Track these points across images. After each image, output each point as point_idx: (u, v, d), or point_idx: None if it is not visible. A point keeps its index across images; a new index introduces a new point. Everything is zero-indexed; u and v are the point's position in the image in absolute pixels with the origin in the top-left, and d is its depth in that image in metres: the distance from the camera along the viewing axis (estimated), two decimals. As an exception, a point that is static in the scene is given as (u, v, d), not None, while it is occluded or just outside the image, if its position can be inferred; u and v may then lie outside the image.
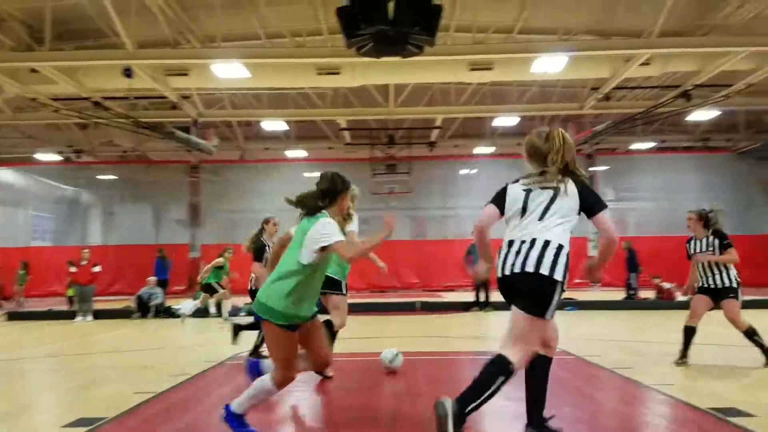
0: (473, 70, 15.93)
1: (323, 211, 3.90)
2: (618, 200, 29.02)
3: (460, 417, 3.32)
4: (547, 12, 15.40)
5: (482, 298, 14.21)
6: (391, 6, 8.07)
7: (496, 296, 11.03)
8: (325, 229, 3.71)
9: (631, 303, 15.35)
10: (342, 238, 3.73)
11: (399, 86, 20.18)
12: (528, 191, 3.62)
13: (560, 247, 3.45)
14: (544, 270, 3.36)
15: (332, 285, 5.87)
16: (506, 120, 22.58)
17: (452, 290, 24.80)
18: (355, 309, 14.54)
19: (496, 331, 10.20)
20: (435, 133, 24.98)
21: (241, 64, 14.84)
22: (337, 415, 4.70)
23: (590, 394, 5.22)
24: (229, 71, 15.16)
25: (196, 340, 10.00)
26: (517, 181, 3.73)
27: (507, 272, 3.48)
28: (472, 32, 15.42)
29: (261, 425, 4.01)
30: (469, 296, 15.40)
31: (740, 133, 26.54)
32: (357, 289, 26.04)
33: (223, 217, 28.24)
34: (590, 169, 28.83)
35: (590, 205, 3.64)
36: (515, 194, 3.65)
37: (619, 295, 17.10)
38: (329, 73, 15.99)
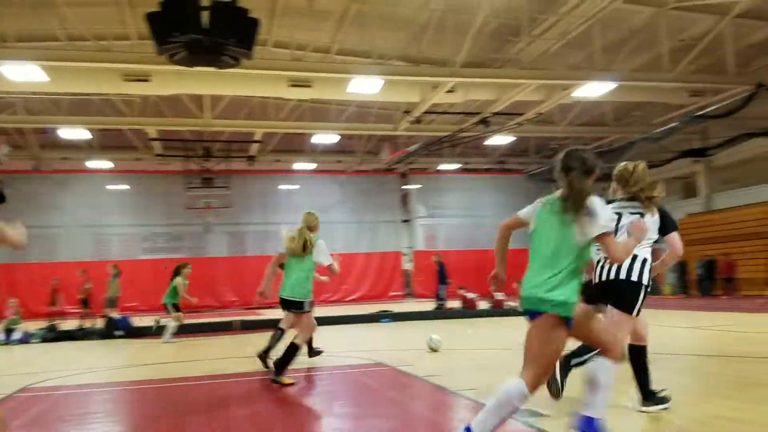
0: (293, 86, 15.99)
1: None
2: (429, 217, 30.78)
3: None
4: (362, 36, 15.98)
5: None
6: (206, 15, 7.82)
7: (315, 311, 10.97)
8: (605, 211, 3.62)
9: (440, 313, 16.30)
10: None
11: (215, 97, 19.61)
12: (620, 215, 4.46)
13: (645, 260, 4.26)
14: (633, 277, 4.17)
15: (298, 305, 6.78)
16: (326, 137, 22.93)
17: (273, 307, 24.44)
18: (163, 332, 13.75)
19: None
20: (255, 148, 24.61)
21: (37, 67, 13.42)
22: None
23: (402, 402, 5.41)
24: (22, 73, 13.65)
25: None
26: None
27: (604, 278, 4.27)
28: (290, 49, 15.50)
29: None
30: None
31: (531, 157, 29.67)
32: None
33: (12, 234, 25.17)
34: (403, 187, 30.32)
35: (666, 225, 4.59)
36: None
37: (430, 305, 18.06)
38: (137, 80, 15.04)
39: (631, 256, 4.11)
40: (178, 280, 12.32)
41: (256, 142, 23.79)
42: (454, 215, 30.83)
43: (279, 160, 26.90)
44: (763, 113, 18.68)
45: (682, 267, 24.51)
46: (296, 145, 26.41)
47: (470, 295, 16.66)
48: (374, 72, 15.40)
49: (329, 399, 5.77)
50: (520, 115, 20.69)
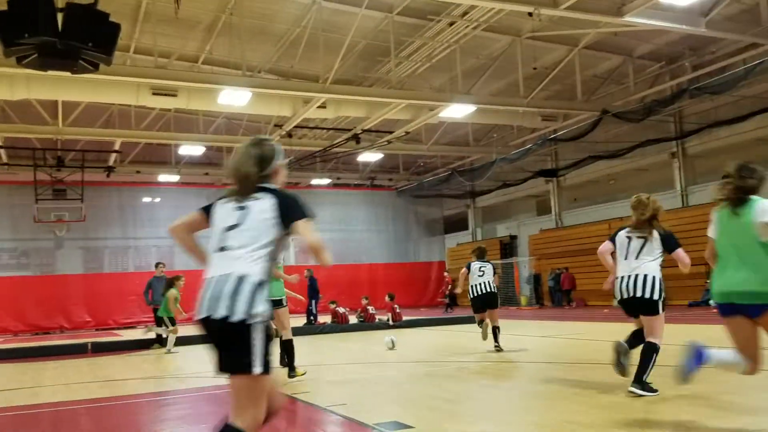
0: (156, 94, 15.34)
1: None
2: (300, 231, 30.55)
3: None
4: (232, 47, 15.71)
5: (164, 334, 13.48)
6: (61, 17, 7.31)
7: (185, 331, 10.48)
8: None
9: (311, 328, 16.22)
10: None
11: (70, 104, 18.32)
12: (629, 239, 5.55)
13: (654, 277, 5.34)
14: (647, 294, 5.30)
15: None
16: (192, 149, 22.10)
17: (132, 327, 23.07)
18: (10, 356, 12.55)
19: (175, 368, 9.78)
20: (113, 158, 23.22)
21: None
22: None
23: (270, 422, 5.32)
24: None
25: None
26: (622, 228, 5.74)
27: (626, 296, 5.43)
28: (154, 56, 14.87)
29: None
30: (150, 334, 14.48)
31: (400, 173, 30.54)
32: (13, 331, 22.50)
33: None
34: (274, 201, 29.95)
35: (670, 245, 5.52)
36: (621, 240, 5.65)
37: (300, 321, 17.93)
38: (-20, 82, 13.70)
39: (642, 275, 5.38)
40: (172, 292, 12.16)
41: (114, 152, 22.46)
42: (325, 229, 30.86)
43: (140, 172, 25.57)
44: (606, 138, 20.62)
45: (536, 279, 26.28)
46: (160, 156, 25.27)
47: (340, 310, 16.75)
48: (243, 84, 15.16)
49: (191, 422, 5.54)
50: (390, 132, 21.29)
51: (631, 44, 18.57)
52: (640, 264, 5.38)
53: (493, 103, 18.76)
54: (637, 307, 5.42)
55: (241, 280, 2.76)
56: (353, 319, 17.08)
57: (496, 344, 9.49)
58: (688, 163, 21.59)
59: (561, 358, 8.61)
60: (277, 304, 7.78)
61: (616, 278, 5.55)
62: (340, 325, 16.18)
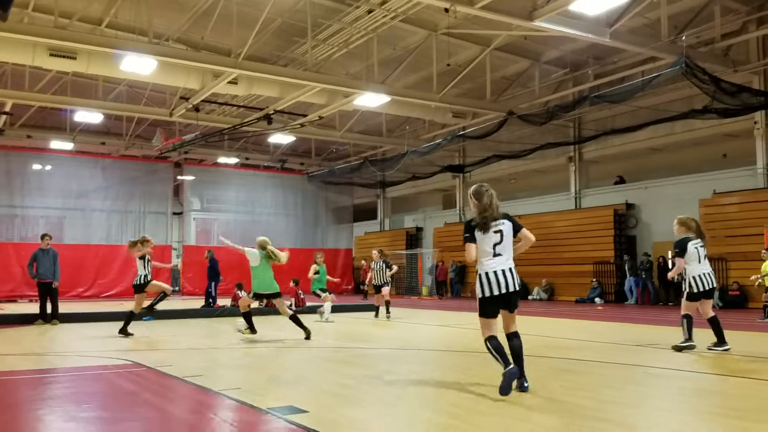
0: (54, 56, 14.37)
1: None
2: (204, 210, 29.77)
3: None
4: (139, 12, 14.95)
5: (49, 309, 12.72)
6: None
7: (65, 307, 9.97)
8: None
9: (210, 311, 15.81)
10: None
11: (-46, 58, 16.78)
12: (697, 248, 7.76)
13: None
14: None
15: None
16: (89, 115, 20.84)
17: (14, 301, 21.56)
18: None
19: (59, 345, 9.26)
20: (3, 120, 21.54)
21: None
22: None
23: (159, 405, 5.16)
24: None
25: None
26: (689, 239, 7.76)
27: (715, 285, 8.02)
28: (54, 15, 13.89)
29: None
30: (33, 308, 13.64)
31: (311, 158, 30.27)
32: None
33: None
34: (178, 177, 28.89)
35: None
36: (692, 251, 7.71)
37: (199, 303, 17.44)
38: None
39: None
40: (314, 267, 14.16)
41: (5, 113, 20.83)
42: (230, 210, 30.20)
43: (31, 137, 23.87)
44: (510, 138, 21.37)
45: (437, 271, 26.93)
46: (54, 122, 23.70)
47: (241, 294, 16.40)
48: (148, 51, 14.45)
49: (73, 402, 5.25)
50: (303, 116, 21.02)
51: (539, 49, 19.31)
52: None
53: (407, 95, 18.94)
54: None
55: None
56: (255, 304, 16.77)
57: (388, 314, 13.90)
58: (584, 167, 22.81)
59: (454, 346, 8.88)
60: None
61: (702, 274, 7.61)
62: (239, 309, 15.84)
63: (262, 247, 9.83)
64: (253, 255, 9.80)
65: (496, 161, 22.34)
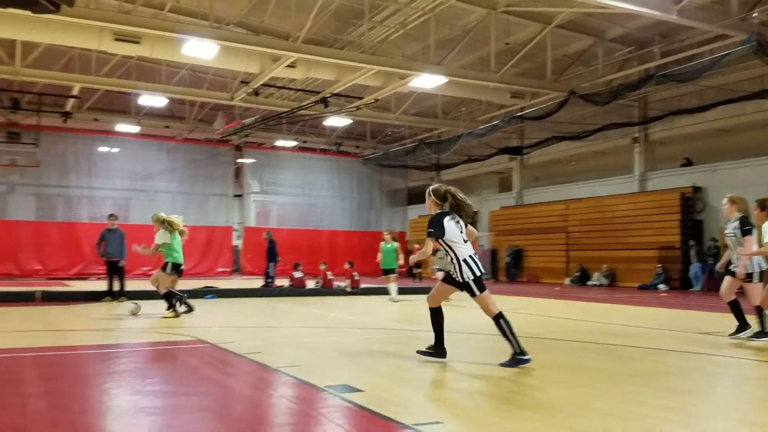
0: (119, 40, 14.83)
1: None
2: (263, 193, 30.33)
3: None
4: (202, -4, 15.21)
5: (116, 287, 13.27)
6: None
7: (132, 285, 10.38)
8: None
9: (267, 290, 16.16)
10: None
11: (29, 45, 17.58)
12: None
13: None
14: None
15: None
16: (153, 99, 21.48)
17: (84, 279, 22.61)
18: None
19: (126, 322, 9.65)
20: (71, 103, 22.44)
21: None
22: None
23: (220, 380, 5.31)
24: None
25: None
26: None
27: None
28: (120, 1, 14.32)
29: None
30: (101, 285, 14.26)
31: (367, 141, 30.33)
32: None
33: None
34: (238, 160, 29.51)
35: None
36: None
37: (258, 283, 17.85)
38: (-69, 15, 12.99)
39: None
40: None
41: (73, 97, 21.69)
42: (287, 193, 30.68)
43: (98, 120, 24.80)
44: (571, 119, 20.83)
45: (493, 254, 26.67)
46: (119, 105, 24.54)
47: (297, 274, 16.71)
48: (210, 35, 14.73)
49: (138, 376, 5.48)
50: (359, 99, 21.05)
51: (603, 26, 18.67)
52: None
53: (463, 76, 18.69)
54: None
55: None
56: (311, 284, 17.07)
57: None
58: (649, 148, 22.03)
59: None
60: None
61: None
62: (296, 289, 16.15)
63: (162, 221, 10.15)
64: (162, 234, 10.00)
65: (556, 143, 21.85)
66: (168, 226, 10.06)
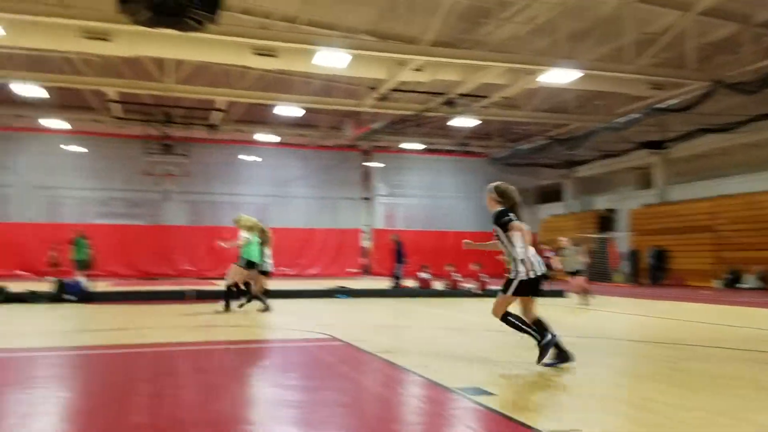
0: (257, 54, 15.73)
1: None
2: (390, 195, 30.85)
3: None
4: (331, 7, 15.78)
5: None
6: (171, -24, 7.59)
7: (270, 285, 10.91)
8: None
9: (395, 291, 16.42)
10: None
11: (178, 62, 19.15)
12: None
13: None
14: None
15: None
16: (290, 110, 22.63)
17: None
18: (119, 298, 13.58)
19: (265, 319, 10.21)
20: (217, 116, 24.16)
21: (-8, 18, 12.84)
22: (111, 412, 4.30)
23: (354, 377, 5.47)
24: (-26, 24, 13.02)
25: None
26: None
27: None
28: (257, 16, 15.21)
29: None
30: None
31: (493, 140, 29.86)
32: (123, 275, 24.23)
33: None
34: (365, 164, 30.28)
35: None
36: None
37: (386, 283, 18.18)
38: (98, 39, 14.54)
39: None
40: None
41: (218, 110, 23.35)
42: (414, 195, 30.98)
43: (241, 131, 26.49)
44: (718, 110, 19.22)
45: (633, 255, 25.23)
46: (259, 116, 26.03)
47: (424, 276, 16.82)
48: (341, 45, 15.23)
49: (279, 371, 5.78)
50: (486, 97, 20.80)
51: (749, 10, 17.04)
52: None
53: (597, 68, 17.88)
54: None
55: None
56: (438, 286, 17.11)
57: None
58: (811, 139, 19.82)
59: (649, 337, 8.26)
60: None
61: None
62: (423, 290, 16.27)
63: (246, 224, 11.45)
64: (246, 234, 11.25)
65: (701, 135, 20.28)
66: (253, 228, 11.41)
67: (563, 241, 14.08)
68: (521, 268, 5.59)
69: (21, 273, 22.94)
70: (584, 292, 13.38)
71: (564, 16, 16.21)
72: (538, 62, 17.18)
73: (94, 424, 3.87)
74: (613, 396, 4.71)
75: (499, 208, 5.86)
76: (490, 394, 4.51)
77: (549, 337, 5.53)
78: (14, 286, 14.00)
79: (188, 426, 3.77)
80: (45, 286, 13.87)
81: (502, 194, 5.92)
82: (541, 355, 5.52)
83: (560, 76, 17.50)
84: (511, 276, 5.67)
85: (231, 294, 11.06)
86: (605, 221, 27.98)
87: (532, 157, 27.89)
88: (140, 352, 6.76)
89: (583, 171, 29.35)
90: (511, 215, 5.68)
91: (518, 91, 19.67)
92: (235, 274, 11.14)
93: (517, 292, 5.66)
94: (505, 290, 5.71)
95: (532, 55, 18.32)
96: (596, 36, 17.49)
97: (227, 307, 10.88)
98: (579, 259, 13.58)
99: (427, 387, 4.92)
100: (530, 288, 5.63)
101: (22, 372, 5.71)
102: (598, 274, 26.16)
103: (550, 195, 31.97)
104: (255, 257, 11.14)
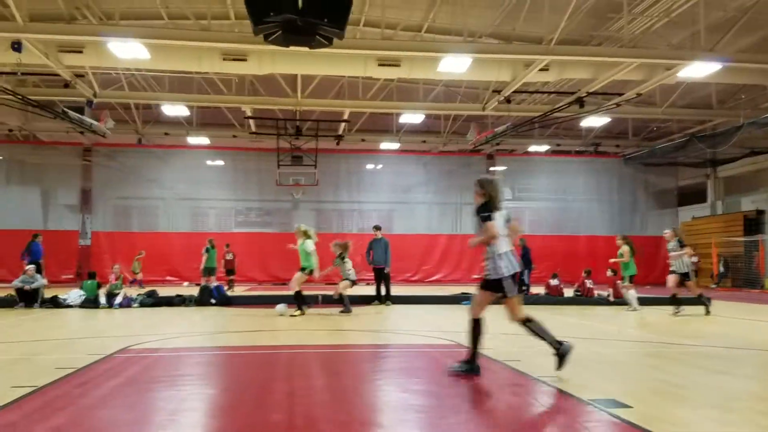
0: (381, 65, 16.06)
1: None
2: (516, 200, 30.19)
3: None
4: (454, 13, 15.78)
5: (382, 291, 14.38)
6: (301, -4, 7.95)
7: (396, 290, 11.11)
8: None
9: (523, 298, 16.02)
10: None
11: (307, 77, 20.00)
12: None
13: None
14: None
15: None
16: (412, 117, 22.89)
17: (355, 284, 24.85)
18: (251, 301, 14.39)
19: (392, 324, 10.37)
20: (342, 127, 24.96)
21: (141, 44, 14.15)
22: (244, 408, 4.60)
23: (481, 385, 5.42)
24: (127, 51, 14.44)
25: (83, 331, 9.48)
26: None
27: None
28: (381, 28, 15.54)
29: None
30: (370, 290, 15.55)
31: (628, 139, 28.34)
32: (258, 280, 25.61)
33: (117, 204, 26.93)
34: (491, 169, 29.86)
35: None
36: None
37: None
38: (235, 59, 15.58)
39: None
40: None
41: (343, 121, 24.11)
42: (541, 198, 30.10)
43: (364, 140, 27.15)
44: None
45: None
46: (382, 125, 26.55)
47: (553, 282, 16.27)
48: (465, 50, 15.19)
49: (406, 375, 5.85)
50: (619, 95, 19.81)
51: None
52: None
53: (742, 60, 16.46)
54: None
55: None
56: (569, 293, 16.49)
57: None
58: None
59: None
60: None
61: None
62: (553, 297, 15.75)
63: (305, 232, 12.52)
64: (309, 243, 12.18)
65: None
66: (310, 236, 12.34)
67: (667, 234, 12.88)
68: (493, 265, 5.69)
69: (170, 278, 24.97)
70: (674, 297, 12.21)
71: (703, 7, 15.09)
72: (675, 56, 16.11)
73: (236, 420, 4.13)
74: (760, 410, 4.30)
75: (481, 201, 5.79)
76: (626, 406, 4.30)
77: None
78: (163, 291, 15.29)
79: (322, 425, 3.92)
80: (190, 290, 15.02)
81: (482, 187, 5.84)
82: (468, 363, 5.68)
83: (700, 70, 16.28)
84: (491, 275, 5.74)
85: (302, 298, 12.06)
86: (753, 223, 25.62)
87: (671, 156, 26.13)
88: (274, 353, 7.12)
89: (728, 170, 27.06)
90: (491, 212, 5.64)
91: (654, 86, 18.55)
92: (298, 281, 12.17)
93: (488, 287, 5.83)
94: (504, 294, 5.78)
95: (669, 49, 17.24)
96: (739, 26, 16.10)
97: (301, 311, 11.84)
98: (686, 260, 12.35)
99: (559, 397, 4.77)
100: (495, 286, 5.74)
101: (171, 369, 6.22)
102: (746, 281, 24.01)
103: (692, 196, 29.74)
104: (313, 265, 12.11)
